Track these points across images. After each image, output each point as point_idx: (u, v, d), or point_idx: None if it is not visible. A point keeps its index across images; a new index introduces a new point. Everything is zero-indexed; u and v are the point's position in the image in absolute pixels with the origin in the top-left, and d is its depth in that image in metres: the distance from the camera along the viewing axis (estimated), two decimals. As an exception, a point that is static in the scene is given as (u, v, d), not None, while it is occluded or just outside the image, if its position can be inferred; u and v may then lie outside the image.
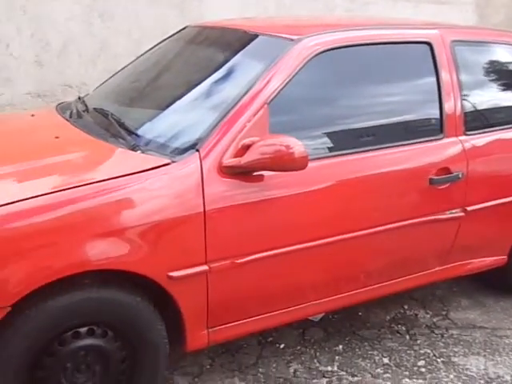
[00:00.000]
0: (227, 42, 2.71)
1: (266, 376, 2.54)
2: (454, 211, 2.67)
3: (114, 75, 3.09)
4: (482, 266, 2.95)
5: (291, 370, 2.59)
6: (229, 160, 2.12)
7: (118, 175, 2.01)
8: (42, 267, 1.86)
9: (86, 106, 2.70)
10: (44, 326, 1.92)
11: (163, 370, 2.22)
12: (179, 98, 2.47)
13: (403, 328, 2.93)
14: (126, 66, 3.10)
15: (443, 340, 2.84)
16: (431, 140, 2.60)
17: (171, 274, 2.03)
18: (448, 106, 2.64)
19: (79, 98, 2.91)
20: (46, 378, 1.97)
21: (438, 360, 2.69)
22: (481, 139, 2.74)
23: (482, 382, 2.56)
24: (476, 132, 2.73)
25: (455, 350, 2.77)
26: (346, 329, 2.90)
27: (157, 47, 3.08)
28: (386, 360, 2.68)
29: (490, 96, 2.94)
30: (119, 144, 2.25)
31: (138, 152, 2.17)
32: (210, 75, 2.51)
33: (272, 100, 2.22)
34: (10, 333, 1.87)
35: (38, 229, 1.87)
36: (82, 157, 2.29)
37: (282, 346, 2.75)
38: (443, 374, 2.60)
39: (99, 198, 1.95)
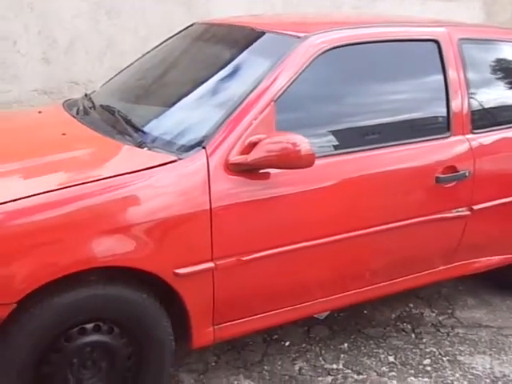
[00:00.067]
0: (234, 40, 2.71)
1: (271, 373, 2.55)
2: (460, 210, 2.66)
3: (120, 72, 3.09)
4: (488, 265, 2.94)
5: (296, 368, 2.59)
6: (235, 157, 2.12)
7: (124, 172, 2.01)
8: (47, 264, 1.87)
9: (92, 102, 2.71)
10: (50, 323, 1.92)
11: (169, 367, 2.23)
12: (186, 95, 2.47)
13: (409, 326, 2.93)
14: (132, 63, 3.10)
15: (449, 339, 2.84)
16: (438, 138, 2.59)
17: (177, 270, 2.04)
18: (455, 104, 2.63)
19: (86, 94, 2.91)
20: (53, 373, 1.97)
21: (444, 359, 2.68)
22: (488, 137, 2.73)
23: (487, 380, 2.55)
24: (483, 130, 2.72)
25: (461, 348, 2.77)
26: (351, 327, 2.90)
27: (164, 44, 3.08)
28: (391, 358, 2.67)
29: (497, 94, 2.93)
30: (126, 141, 2.25)
31: (145, 149, 2.18)
32: (216, 72, 2.51)
33: (279, 97, 2.22)
34: (16, 329, 1.88)
35: (44, 225, 1.87)
36: (89, 153, 2.30)
37: (287, 343, 2.75)
38: (449, 372, 2.60)
39: (106, 194, 1.95)
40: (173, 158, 2.10)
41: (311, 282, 2.43)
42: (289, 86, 2.26)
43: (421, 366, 2.63)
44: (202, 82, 2.50)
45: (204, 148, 2.12)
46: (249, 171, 2.14)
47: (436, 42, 2.65)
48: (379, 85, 2.58)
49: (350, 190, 2.37)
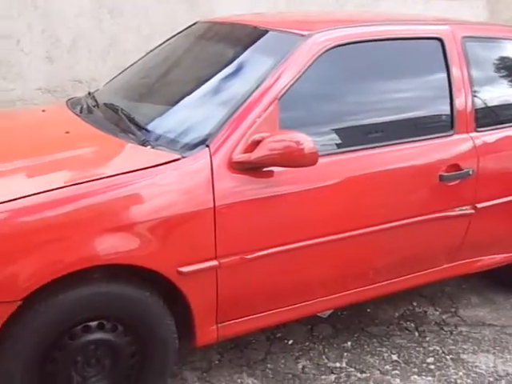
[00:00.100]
0: (237, 38, 2.71)
1: (275, 372, 2.55)
2: (463, 208, 2.66)
3: (123, 71, 3.10)
4: (492, 264, 2.93)
5: (300, 366, 2.59)
6: (239, 156, 2.12)
7: (128, 170, 2.02)
8: (51, 262, 1.87)
9: (96, 101, 2.71)
10: (54, 320, 1.93)
11: (172, 365, 2.23)
12: (189, 93, 2.47)
13: (412, 325, 2.93)
14: (135, 62, 3.11)
15: (452, 337, 2.83)
16: (441, 136, 2.59)
17: (181, 269, 2.04)
18: (459, 103, 2.62)
19: (89, 93, 2.92)
20: (57, 371, 1.98)
21: (447, 357, 2.68)
22: (491, 136, 2.73)
23: (491, 379, 2.55)
24: (487, 128, 2.72)
25: (464, 347, 2.76)
26: (354, 325, 2.90)
27: (167, 43, 3.08)
28: (394, 357, 2.67)
29: (501, 92, 2.92)
30: (129, 139, 2.25)
31: (148, 147, 2.18)
32: (219, 71, 2.51)
33: (282, 96, 2.22)
34: (21, 326, 1.88)
35: (48, 223, 1.88)
36: (93, 152, 2.30)
37: (290, 341, 2.76)
38: (452, 371, 2.60)
39: (109, 193, 1.96)
40: (176, 156, 2.10)
41: (315, 280, 2.43)
42: (292, 85, 2.26)
43: (424, 365, 2.63)
44: (206, 81, 2.50)
45: (207, 146, 2.12)
46: (252, 169, 2.14)
47: (440, 40, 2.64)
48: (383, 83, 2.57)
49: (353, 189, 2.37)
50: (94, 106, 2.67)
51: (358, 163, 2.38)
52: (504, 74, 2.96)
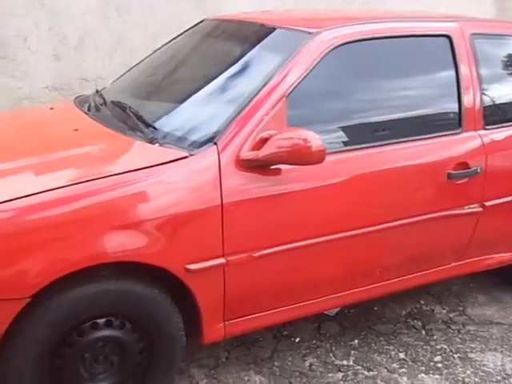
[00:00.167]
0: (245, 36, 2.71)
1: (282, 369, 2.55)
2: (472, 206, 2.65)
3: (131, 69, 3.10)
4: (500, 262, 2.92)
5: (307, 364, 2.59)
6: (246, 153, 2.12)
7: (136, 168, 2.02)
8: (60, 259, 1.88)
9: (103, 99, 2.72)
10: (63, 317, 1.94)
11: (179, 363, 2.24)
12: (197, 91, 2.47)
13: (419, 323, 2.92)
14: (143, 60, 3.11)
15: (460, 336, 2.83)
16: (450, 134, 2.58)
17: (189, 266, 2.04)
18: (467, 100, 2.61)
19: (97, 91, 2.92)
20: (65, 367, 1.99)
21: (455, 356, 2.68)
22: (500, 134, 2.72)
23: (498, 377, 2.54)
24: (495, 126, 2.71)
25: (472, 345, 2.76)
26: (361, 323, 2.90)
27: (174, 41, 3.08)
28: (401, 355, 2.67)
29: (510, 90, 2.90)
30: (137, 137, 2.26)
31: (156, 145, 2.18)
32: (227, 68, 2.51)
33: (290, 93, 2.22)
34: (30, 324, 1.89)
35: (56, 221, 1.88)
36: (101, 149, 2.31)
37: (297, 339, 2.76)
38: (460, 369, 2.59)
39: (117, 190, 1.96)
40: (184, 154, 2.10)
41: (322, 278, 2.43)
42: (300, 82, 2.25)
43: (432, 363, 2.62)
44: (213, 78, 2.50)
45: (215, 144, 2.12)
46: (260, 167, 2.14)
47: (448, 37, 2.63)
48: (390, 80, 2.56)
49: (360, 187, 2.36)
50: (101, 104, 2.67)
51: (365, 161, 2.37)
52: (512, 71, 2.95)
